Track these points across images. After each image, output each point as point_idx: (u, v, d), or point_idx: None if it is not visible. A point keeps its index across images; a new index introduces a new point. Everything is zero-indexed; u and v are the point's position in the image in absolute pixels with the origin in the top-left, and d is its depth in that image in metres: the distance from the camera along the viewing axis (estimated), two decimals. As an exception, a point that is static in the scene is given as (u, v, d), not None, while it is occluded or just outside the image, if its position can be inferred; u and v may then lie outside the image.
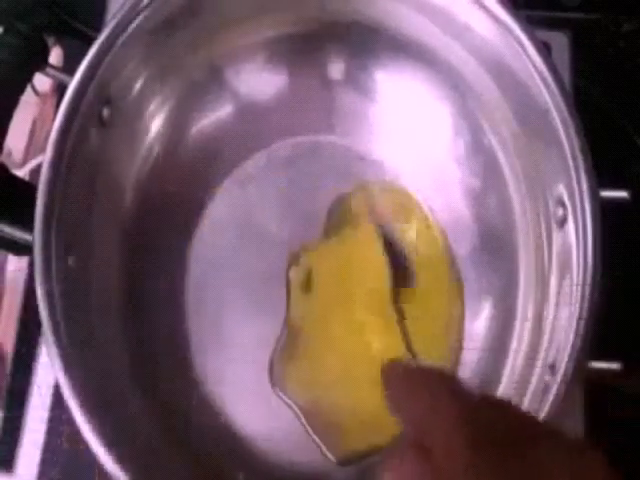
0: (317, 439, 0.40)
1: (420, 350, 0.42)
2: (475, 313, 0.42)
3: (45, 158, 0.35)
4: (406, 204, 0.45)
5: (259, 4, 0.41)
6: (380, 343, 0.42)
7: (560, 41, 0.48)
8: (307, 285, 0.43)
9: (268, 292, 0.43)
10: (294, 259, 0.44)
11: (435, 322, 0.43)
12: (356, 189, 0.45)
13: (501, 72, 0.38)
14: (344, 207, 0.45)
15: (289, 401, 0.41)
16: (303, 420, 0.41)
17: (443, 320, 0.43)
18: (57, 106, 0.35)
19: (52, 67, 0.39)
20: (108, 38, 0.36)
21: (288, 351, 0.42)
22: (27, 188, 0.37)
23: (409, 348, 0.42)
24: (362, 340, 0.42)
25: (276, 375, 0.42)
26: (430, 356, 0.42)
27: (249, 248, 0.44)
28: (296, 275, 0.43)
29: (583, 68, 0.48)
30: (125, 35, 0.36)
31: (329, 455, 0.40)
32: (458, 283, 0.43)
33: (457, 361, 0.42)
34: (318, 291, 0.43)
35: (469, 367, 0.41)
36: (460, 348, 0.42)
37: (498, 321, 0.41)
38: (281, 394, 0.41)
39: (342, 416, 0.41)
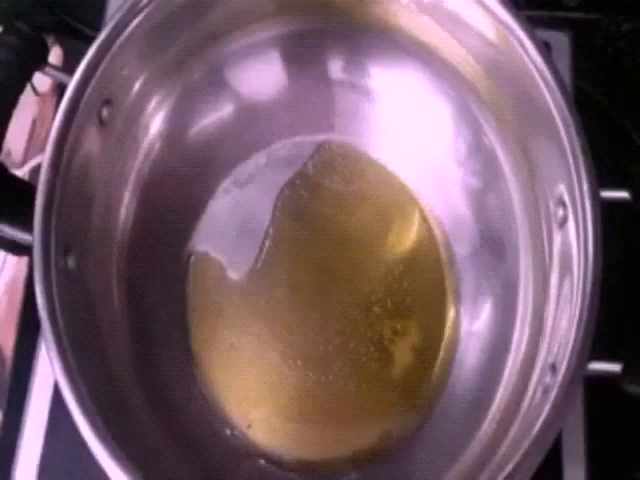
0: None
1: (417, 350, 0.42)
2: (475, 313, 0.42)
3: (45, 158, 0.35)
4: (405, 202, 0.45)
5: (260, 4, 0.41)
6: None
7: (560, 41, 0.48)
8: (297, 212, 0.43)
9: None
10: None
11: (433, 322, 0.43)
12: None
13: (501, 72, 0.38)
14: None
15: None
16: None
17: (441, 320, 0.43)
18: (57, 106, 0.35)
19: (52, 67, 0.38)
20: (108, 38, 0.36)
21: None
22: (27, 188, 0.37)
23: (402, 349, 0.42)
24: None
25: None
26: (427, 356, 0.42)
27: (249, 248, 0.44)
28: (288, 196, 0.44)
29: (583, 68, 0.48)
30: (125, 35, 0.36)
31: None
32: (457, 283, 0.43)
33: (455, 361, 0.42)
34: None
35: (469, 367, 0.41)
36: (458, 348, 0.42)
37: (498, 321, 0.41)
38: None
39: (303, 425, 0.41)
